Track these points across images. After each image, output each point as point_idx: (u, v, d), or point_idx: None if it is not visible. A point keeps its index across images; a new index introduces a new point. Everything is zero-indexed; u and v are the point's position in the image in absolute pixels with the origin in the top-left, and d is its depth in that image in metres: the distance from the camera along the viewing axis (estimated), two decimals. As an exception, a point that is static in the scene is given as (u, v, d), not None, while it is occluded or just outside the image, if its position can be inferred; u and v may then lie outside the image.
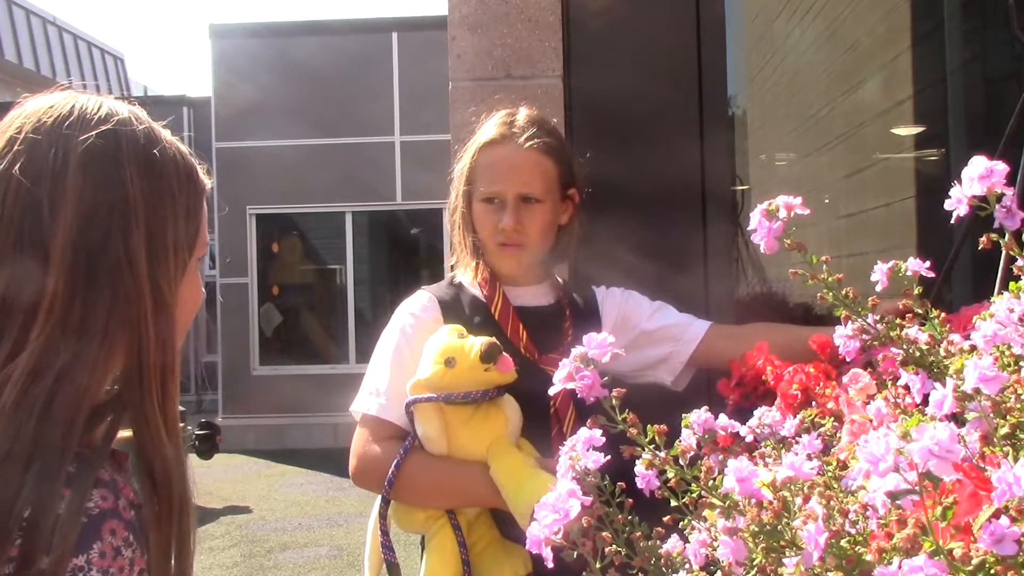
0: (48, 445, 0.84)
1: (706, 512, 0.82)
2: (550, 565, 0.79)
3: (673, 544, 0.84)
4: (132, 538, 0.88)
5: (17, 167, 0.90)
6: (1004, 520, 0.60)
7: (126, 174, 0.93)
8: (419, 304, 1.67)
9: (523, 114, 1.73)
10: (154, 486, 0.93)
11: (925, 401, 0.80)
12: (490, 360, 1.46)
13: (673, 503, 0.85)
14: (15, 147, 0.91)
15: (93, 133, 0.92)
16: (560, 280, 1.80)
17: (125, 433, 0.96)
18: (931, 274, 0.98)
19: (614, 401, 0.87)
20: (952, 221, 0.87)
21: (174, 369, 0.97)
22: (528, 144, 1.66)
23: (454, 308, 1.65)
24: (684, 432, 0.91)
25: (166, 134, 1.00)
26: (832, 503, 0.72)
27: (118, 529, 0.87)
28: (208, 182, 1.04)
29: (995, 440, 0.72)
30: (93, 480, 0.86)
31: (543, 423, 1.56)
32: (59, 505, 0.82)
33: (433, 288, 1.71)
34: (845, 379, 1.08)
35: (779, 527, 0.74)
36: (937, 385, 0.74)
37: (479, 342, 1.47)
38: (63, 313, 0.89)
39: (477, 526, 1.54)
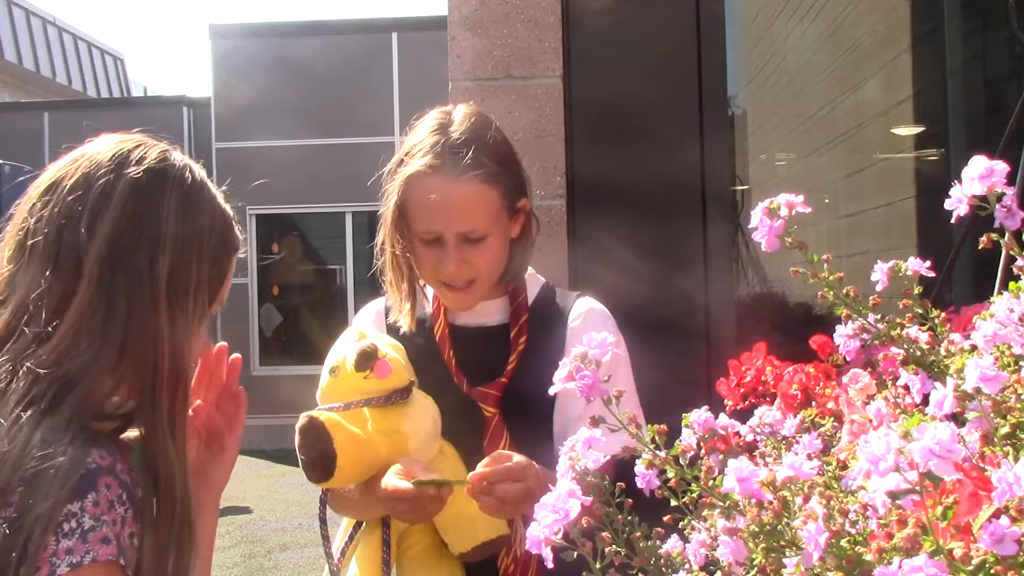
0: (52, 437, 0.92)
1: (706, 512, 0.81)
2: (550, 565, 0.79)
3: (673, 544, 0.84)
4: (126, 497, 0.94)
5: (70, 180, 1.03)
6: (1004, 520, 0.60)
7: (163, 210, 1.04)
8: (366, 315, 1.64)
9: (456, 126, 1.48)
10: (155, 486, 0.99)
11: (925, 401, 0.80)
12: (363, 369, 1.41)
13: (673, 503, 0.85)
14: (77, 164, 1.05)
15: (143, 168, 1.04)
16: (536, 280, 1.62)
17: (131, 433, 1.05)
18: (931, 274, 0.98)
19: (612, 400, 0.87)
20: (952, 221, 0.87)
21: (186, 391, 1.06)
22: (466, 177, 1.43)
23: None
24: (684, 432, 0.91)
25: (215, 191, 1.13)
26: (832, 503, 0.72)
27: (112, 485, 0.93)
28: (242, 242, 1.15)
29: (995, 440, 0.72)
30: (93, 440, 0.94)
31: (472, 452, 1.44)
32: (61, 460, 0.89)
33: (385, 299, 1.62)
34: (845, 379, 1.08)
35: (779, 527, 0.74)
36: (937, 385, 0.74)
37: (355, 350, 1.42)
38: (85, 320, 0.98)
39: (412, 532, 1.50)
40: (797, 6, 3.68)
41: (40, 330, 0.97)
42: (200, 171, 1.12)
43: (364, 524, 1.52)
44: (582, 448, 0.84)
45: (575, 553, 0.78)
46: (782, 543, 0.74)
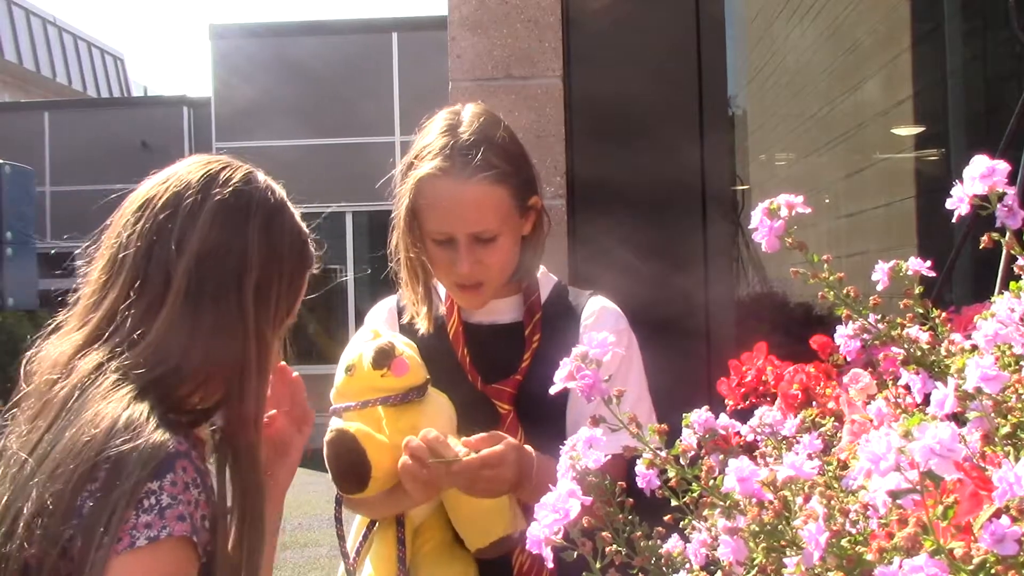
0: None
1: (706, 512, 0.81)
2: (550, 565, 0.79)
3: (673, 544, 0.84)
4: (200, 481, 1.01)
5: (161, 200, 1.11)
6: (1005, 520, 0.60)
7: (249, 228, 1.12)
8: (379, 313, 1.65)
9: (465, 127, 1.48)
10: (234, 477, 1.09)
11: (926, 401, 0.80)
12: (380, 367, 1.41)
13: (674, 503, 0.85)
14: (167, 184, 1.12)
15: (230, 190, 1.12)
16: (548, 280, 1.63)
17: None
18: (932, 274, 0.98)
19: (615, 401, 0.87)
20: (953, 220, 0.87)
21: (264, 394, 1.15)
22: (477, 177, 1.44)
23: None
24: (685, 432, 0.91)
25: (294, 210, 1.21)
26: (833, 503, 0.72)
27: (188, 468, 1.00)
28: (317, 258, 1.23)
29: (996, 440, 0.72)
30: (172, 428, 1.01)
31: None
32: (142, 442, 0.97)
33: (397, 298, 1.64)
34: (846, 379, 1.08)
35: (780, 527, 0.74)
36: (938, 384, 0.74)
37: (372, 348, 1.42)
38: (174, 329, 1.06)
39: (425, 528, 1.51)
40: (797, 6, 3.68)
41: (126, 337, 1.05)
42: (280, 191, 1.20)
43: (378, 523, 1.52)
44: (583, 448, 0.84)
45: (575, 553, 0.78)
46: (783, 543, 0.74)
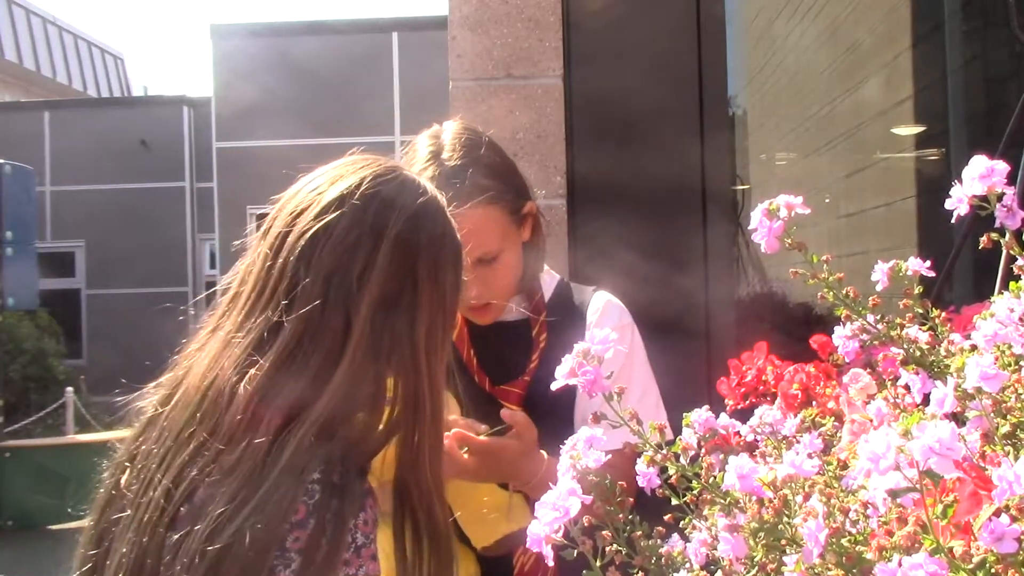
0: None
1: (707, 511, 0.82)
2: (550, 563, 0.79)
3: (673, 543, 0.84)
4: (376, 519, 1.01)
5: (339, 227, 1.03)
6: (1004, 518, 0.60)
7: (421, 269, 1.06)
8: None
9: (448, 151, 1.48)
10: (416, 518, 1.09)
11: (925, 401, 0.80)
12: None
13: (674, 501, 0.85)
14: (344, 207, 1.05)
15: (403, 222, 1.05)
16: (551, 277, 1.64)
17: None
18: (931, 274, 0.98)
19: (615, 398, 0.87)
20: (953, 221, 0.87)
21: (441, 446, 1.12)
22: (466, 206, 1.41)
23: None
24: (685, 431, 0.91)
25: (454, 223, 1.13)
26: (833, 501, 0.72)
27: (372, 507, 1.00)
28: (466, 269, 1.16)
29: (996, 439, 0.72)
30: (359, 468, 1.01)
31: None
32: (336, 481, 0.97)
33: None
34: (845, 379, 1.08)
35: (780, 525, 0.74)
36: (938, 384, 0.74)
37: None
38: (355, 382, 1.01)
39: None
40: (797, 6, 3.68)
41: (310, 382, 1.00)
42: (442, 201, 1.13)
43: (380, 519, 1.52)
44: (583, 447, 0.85)
45: (575, 551, 0.78)
46: (783, 541, 0.74)
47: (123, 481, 1.03)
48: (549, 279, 1.64)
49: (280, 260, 1.04)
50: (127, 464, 1.05)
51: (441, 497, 1.09)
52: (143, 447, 1.04)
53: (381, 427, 1.06)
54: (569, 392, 0.90)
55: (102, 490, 1.06)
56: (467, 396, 1.50)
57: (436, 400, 1.08)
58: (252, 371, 0.99)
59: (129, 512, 1.00)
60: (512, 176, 1.54)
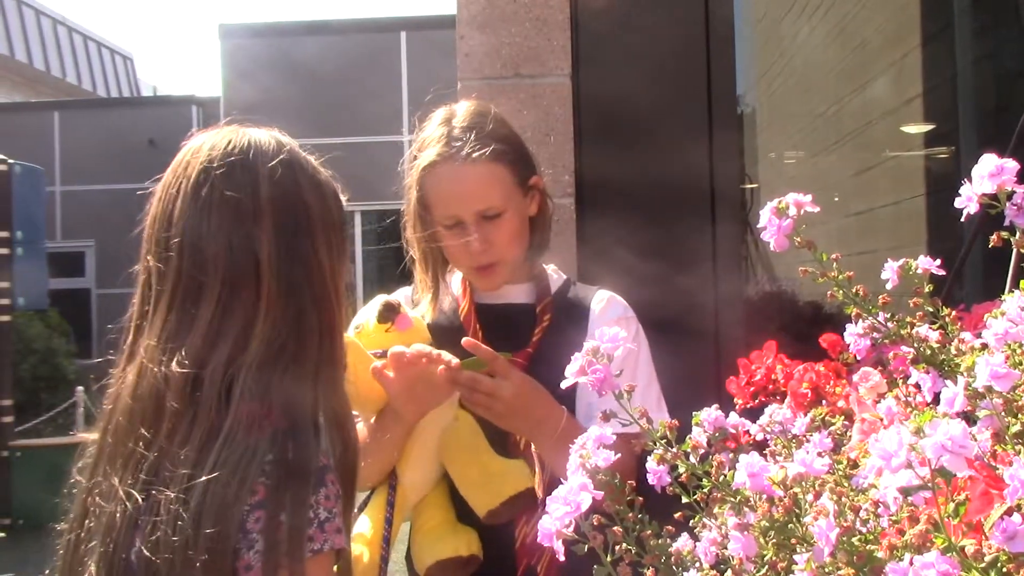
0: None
1: (716, 509, 0.82)
2: (561, 558, 0.79)
3: (683, 542, 0.84)
4: (340, 492, 1.03)
5: (222, 187, 1.09)
6: (1016, 517, 0.60)
7: (304, 193, 1.14)
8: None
9: (460, 117, 1.57)
10: (340, 436, 1.08)
11: (936, 400, 0.80)
12: (385, 321, 1.48)
13: (684, 500, 0.85)
14: (212, 174, 1.11)
15: (276, 160, 1.14)
16: (558, 276, 1.68)
17: None
18: (942, 272, 0.98)
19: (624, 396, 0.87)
20: (962, 219, 0.87)
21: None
22: (474, 156, 1.51)
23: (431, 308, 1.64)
24: (695, 430, 0.91)
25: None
26: (844, 499, 0.72)
27: (333, 482, 1.02)
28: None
29: (1007, 438, 0.72)
30: (317, 440, 1.03)
31: (499, 430, 1.51)
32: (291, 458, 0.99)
33: (412, 290, 1.69)
34: (855, 378, 1.08)
35: (790, 524, 0.74)
36: (948, 383, 0.74)
37: (379, 302, 1.50)
38: (277, 321, 1.05)
39: (426, 507, 1.54)
40: (806, 4, 3.67)
41: (236, 330, 1.04)
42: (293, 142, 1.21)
43: (373, 493, 1.55)
44: (592, 447, 0.85)
45: (585, 546, 0.78)
46: (793, 540, 0.74)
47: (87, 489, 1.06)
48: (556, 277, 1.67)
49: (172, 254, 1.09)
50: (91, 474, 1.07)
51: (349, 420, 1.11)
52: (102, 457, 1.06)
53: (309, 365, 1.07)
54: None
55: (74, 500, 1.08)
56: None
57: (341, 327, 1.14)
58: (180, 353, 1.03)
59: (93, 522, 1.03)
60: (517, 145, 1.60)
